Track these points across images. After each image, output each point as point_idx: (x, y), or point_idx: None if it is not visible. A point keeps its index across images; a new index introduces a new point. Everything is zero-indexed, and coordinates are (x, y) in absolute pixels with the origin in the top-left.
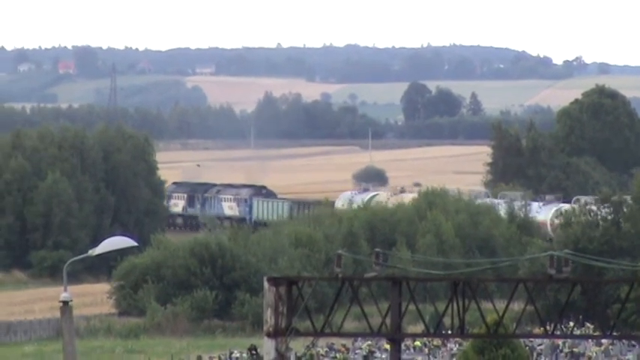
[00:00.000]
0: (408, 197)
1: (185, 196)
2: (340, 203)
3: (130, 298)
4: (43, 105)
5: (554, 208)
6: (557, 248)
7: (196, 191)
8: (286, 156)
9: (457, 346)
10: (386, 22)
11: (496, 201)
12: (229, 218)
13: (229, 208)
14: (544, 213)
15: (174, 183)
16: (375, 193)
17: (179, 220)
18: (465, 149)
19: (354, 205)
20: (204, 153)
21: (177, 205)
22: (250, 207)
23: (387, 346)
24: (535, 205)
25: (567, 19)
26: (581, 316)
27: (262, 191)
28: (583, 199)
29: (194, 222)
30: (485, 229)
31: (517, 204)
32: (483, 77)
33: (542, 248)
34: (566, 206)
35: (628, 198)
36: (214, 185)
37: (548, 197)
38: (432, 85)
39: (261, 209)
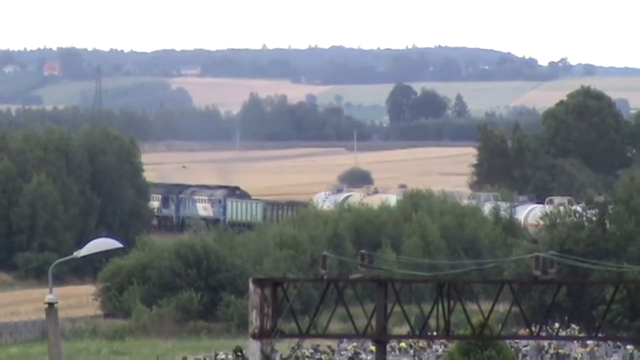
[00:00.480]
0: (382, 198)
1: (160, 197)
2: (314, 204)
3: (115, 300)
4: (28, 107)
5: (528, 209)
6: (542, 250)
7: (171, 192)
8: (272, 157)
9: (442, 347)
10: (371, 24)
11: (475, 202)
12: (204, 219)
13: (203, 208)
14: (518, 213)
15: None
16: (349, 193)
17: (154, 222)
18: (450, 151)
19: (325, 206)
20: (189, 155)
21: (152, 205)
22: (224, 208)
23: (373, 348)
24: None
25: (552, 21)
26: (566, 318)
27: (236, 192)
28: (556, 199)
29: (169, 223)
30: (470, 231)
31: (502, 205)
32: (468, 78)
33: (527, 250)
34: (539, 207)
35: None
36: (189, 186)
37: (521, 198)
38: (418, 87)
39: (235, 210)
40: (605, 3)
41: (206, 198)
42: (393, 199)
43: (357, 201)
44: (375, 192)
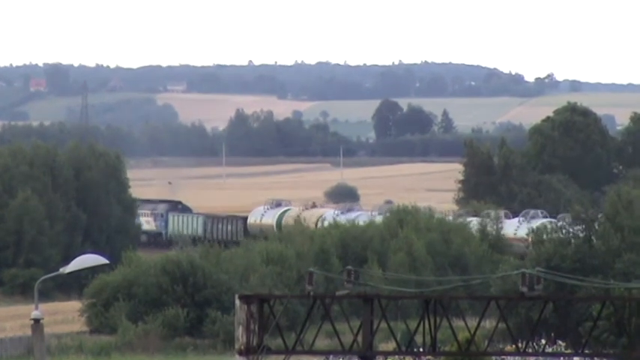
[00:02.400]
0: (319, 212)
1: None
2: (252, 218)
3: (101, 316)
4: (14, 123)
5: (515, 225)
6: (529, 266)
7: None
8: (258, 173)
9: None
10: (357, 40)
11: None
12: (146, 233)
13: (147, 222)
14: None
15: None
16: (287, 208)
17: None
18: (436, 167)
19: (264, 220)
20: (175, 170)
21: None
22: (166, 222)
23: None
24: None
25: (539, 37)
26: (553, 334)
27: (178, 206)
28: (531, 212)
29: None
30: (457, 247)
31: (489, 221)
32: (455, 94)
33: (514, 266)
34: (514, 221)
35: (599, 216)
36: (134, 200)
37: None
38: (404, 103)
39: (177, 224)
40: (592, 20)
41: (149, 212)
42: (329, 214)
43: (295, 215)
44: (313, 206)
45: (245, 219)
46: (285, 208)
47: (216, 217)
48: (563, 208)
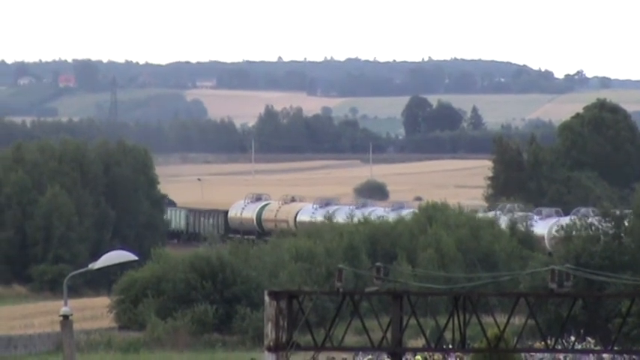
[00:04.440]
0: (298, 206)
1: None
2: (233, 212)
3: (130, 312)
4: (43, 119)
5: (551, 222)
6: (558, 263)
7: None
8: (287, 170)
9: None
10: (387, 36)
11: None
12: None
13: None
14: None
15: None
16: (267, 202)
17: None
18: (465, 163)
19: (244, 214)
20: (204, 167)
21: None
22: None
23: None
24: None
25: (569, 33)
26: (582, 331)
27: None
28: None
29: None
30: (486, 244)
31: (518, 216)
32: (484, 91)
33: (543, 262)
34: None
35: (629, 212)
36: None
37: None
38: (433, 99)
39: None
40: (622, 16)
41: None
42: (308, 208)
43: (274, 209)
44: (293, 200)
45: (226, 213)
46: (265, 203)
47: (198, 211)
48: (592, 204)
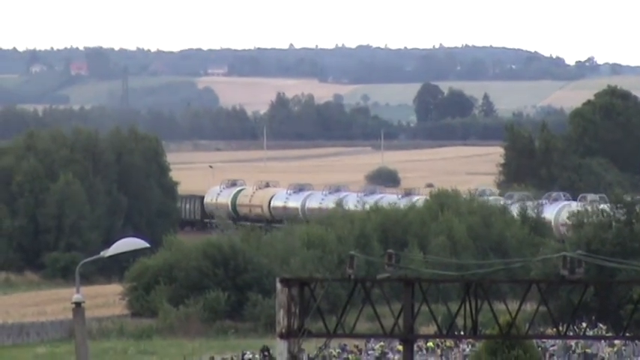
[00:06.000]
0: (271, 192)
1: None
2: (209, 198)
3: (142, 300)
4: (55, 106)
5: (559, 206)
6: (569, 249)
7: None
8: (299, 157)
9: (470, 347)
10: (398, 23)
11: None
12: None
13: None
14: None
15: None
16: (241, 187)
17: None
18: (477, 150)
19: (220, 199)
20: (216, 154)
21: None
22: None
23: (400, 347)
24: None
25: (579, 20)
26: (593, 317)
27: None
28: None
29: None
30: (497, 230)
31: (529, 204)
32: (496, 78)
33: (554, 249)
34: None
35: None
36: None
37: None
38: (445, 86)
39: None
40: (633, 3)
41: None
42: (282, 194)
43: (249, 194)
44: (267, 186)
45: (202, 198)
46: (240, 188)
47: (192, 196)
48: (603, 191)
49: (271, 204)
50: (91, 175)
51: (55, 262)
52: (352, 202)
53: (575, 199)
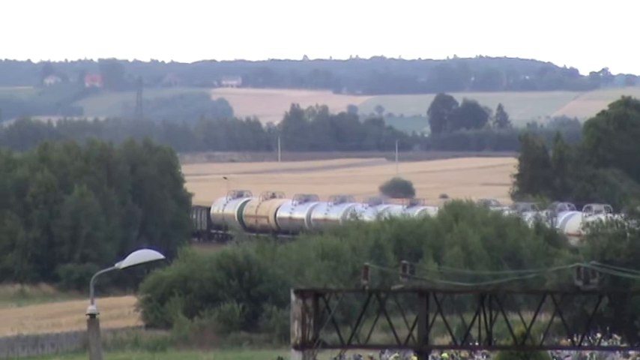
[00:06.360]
0: (278, 202)
1: None
2: (215, 209)
3: (157, 311)
4: (69, 118)
5: (565, 216)
6: (584, 260)
7: None
8: (313, 168)
9: (485, 357)
10: (412, 34)
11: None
12: None
13: None
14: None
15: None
16: (247, 198)
17: None
18: (491, 161)
19: (226, 210)
20: (230, 165)
21: None
22: None
23: (415, 358)
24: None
25: (593, 31)
26: (608, 328)
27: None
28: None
29: None
30: (512, 241)
31: (543, 214)
32: (510, 89)
33: (569, 260)
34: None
35: None
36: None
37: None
38: (459, 97)
39: None
40: None
41: None
42: (287, 205)
43: (255, 205)
44: (273, 197)
45: (209, 209)
46: (246, 199)
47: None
48: (618, 202)
49: (277, 215)
50: (105, 186)
51: (69, 273)
52: (359, 212)
53: (580, 209)
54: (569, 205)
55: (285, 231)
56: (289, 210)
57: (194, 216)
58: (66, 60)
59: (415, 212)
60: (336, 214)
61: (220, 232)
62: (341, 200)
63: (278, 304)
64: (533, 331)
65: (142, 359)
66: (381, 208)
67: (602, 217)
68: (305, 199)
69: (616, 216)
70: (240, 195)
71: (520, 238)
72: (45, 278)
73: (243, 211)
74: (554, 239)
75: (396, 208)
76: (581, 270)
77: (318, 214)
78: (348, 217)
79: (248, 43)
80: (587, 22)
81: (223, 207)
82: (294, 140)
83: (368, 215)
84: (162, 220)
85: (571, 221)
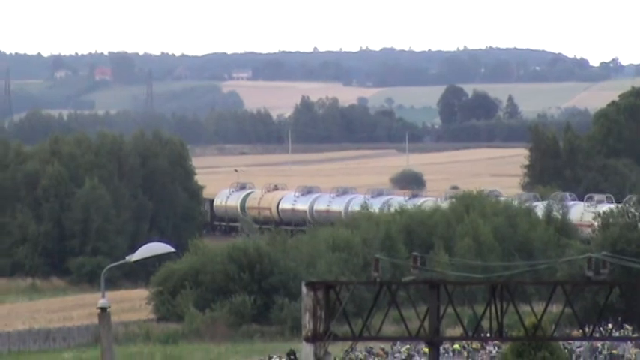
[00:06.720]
0: (280, 194)
1: None
2: (219, 201)
3: (168, 304)
4: (80, 111)
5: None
6: (594, 250)
7: None
8: (323, 160)
9: (496, 348)
10: (422, 26)
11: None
12: None
13: None
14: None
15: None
16: (250, 191)
17: None
18: (502, 152)
19: (229, 202)
20: (241, 158)
21: None
22: None
23: (426, 350)
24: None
25: (603, 21)
26: (619, 318)
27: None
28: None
29: None
30: (523, 232)
31: (554, 204)
32: (520, 80)
33: (580, 250)
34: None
35: None
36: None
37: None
38: (469, 88)
39: None
40: None
41: None
42: (289, 197)
43: (258, 197)
44: (275, 189)
45: (212, 201)
46: (249, 191)
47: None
48: (628, 192)
49: (279, 206)
50: (116, 179)
51: (80, 267)
52: (363, 204)
53: (581, 200)
54: (570, 195)
55: (287, 223)
56: (292, 202)
57: (204, 209)
58: (76, 53)
59: (418, 203)
60: (338, 205)
61: (223, 224)
62: (343, 192)
63: (289, 297)
64: (544, 321)
65: (154, 352)
66: (383, 199)
67: (613, 206)
68: (307, 191)
69: (627, 206)
70: (243, 187)
71: (531, 228)
72: (56, 272)
73: (245, 203)
74: (564, 230)
75: (398, 200)
76: (592, 260)
77: (321, 206)
78: (350, 209)
79: (258, 35)
80: (597, 13)
81: (226, 199)
82: (304, 132)
83: (371, 207)
84: (173, 213)
85: (573, 211)
